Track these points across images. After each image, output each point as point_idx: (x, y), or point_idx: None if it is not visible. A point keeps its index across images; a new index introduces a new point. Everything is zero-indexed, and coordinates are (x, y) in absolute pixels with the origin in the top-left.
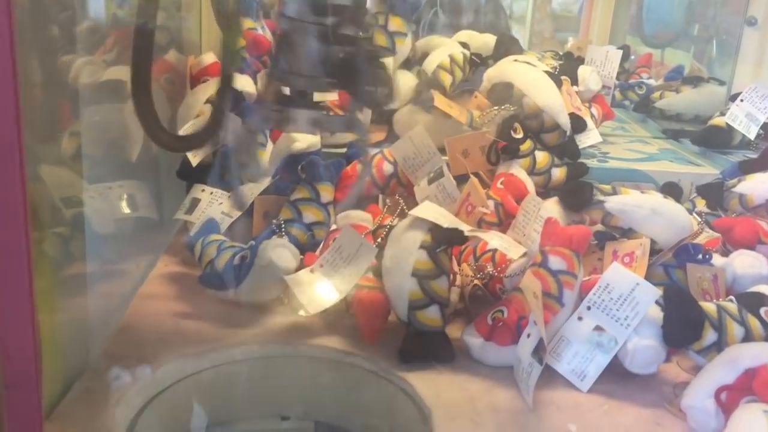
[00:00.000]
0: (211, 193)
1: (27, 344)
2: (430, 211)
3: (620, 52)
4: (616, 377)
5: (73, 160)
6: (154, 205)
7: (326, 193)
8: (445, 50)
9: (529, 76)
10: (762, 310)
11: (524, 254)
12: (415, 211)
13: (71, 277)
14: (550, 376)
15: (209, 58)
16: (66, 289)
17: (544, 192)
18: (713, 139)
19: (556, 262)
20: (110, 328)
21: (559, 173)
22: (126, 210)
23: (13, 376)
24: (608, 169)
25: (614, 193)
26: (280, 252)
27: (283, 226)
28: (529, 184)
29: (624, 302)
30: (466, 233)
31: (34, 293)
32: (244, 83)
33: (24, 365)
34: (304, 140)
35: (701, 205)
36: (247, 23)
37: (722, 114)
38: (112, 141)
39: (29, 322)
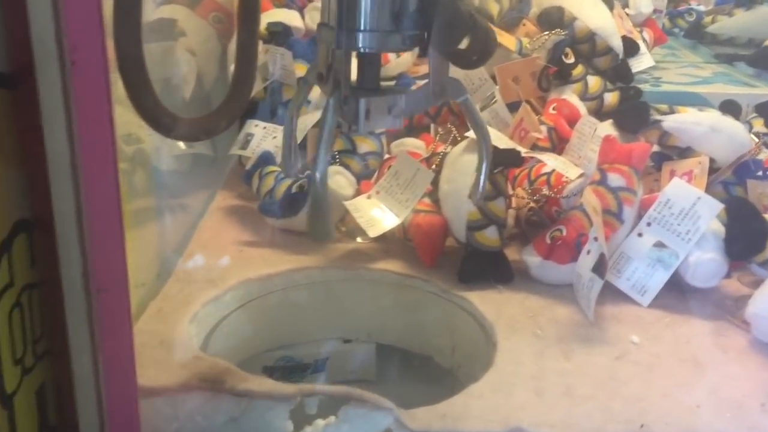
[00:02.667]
0: (264, 128)
1: (117, 249)
2: None
3: None
4: (677, 293)
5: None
6: (208, 141)
7: None
8: None
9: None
10: None
11: (581, 174)
12: (472, 134)
13: (140, 209)
14: (609, 294)
15: None
16: (136, 219)
17: (596, 117)
18: None
19: (615, 179)
20: (177, 256)
21: (611, 98)
22: (182, 146)
23: (105, 280)
24: (662, 92)
25: (671, 112)
26: (338, 179)
27: (337, 156)
28: (582, 108)
29: (685, 217)
30: (523, 154)
31: (121, 204)
32: (290, 17)
33: (114, 269)
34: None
35: (758, 125)
36: None
37: None
38: (166, 79)
39: (118, 228)
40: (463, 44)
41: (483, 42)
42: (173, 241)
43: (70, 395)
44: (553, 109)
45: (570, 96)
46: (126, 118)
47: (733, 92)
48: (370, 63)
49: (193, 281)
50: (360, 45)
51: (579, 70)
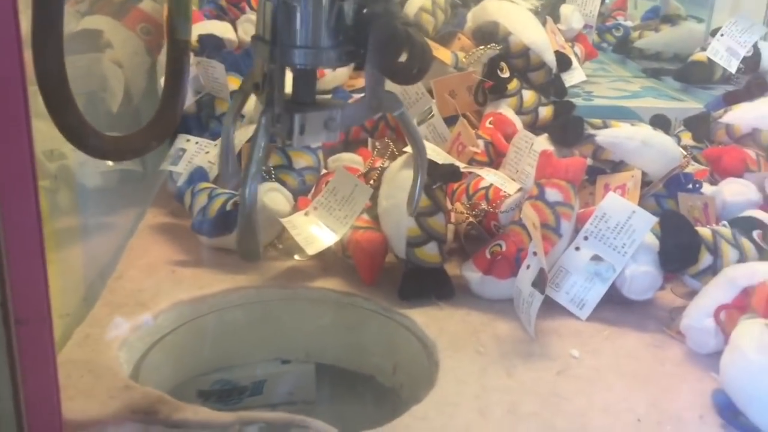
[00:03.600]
0: (197, 142)
1: (38, 276)
2: None
3: None
4: (614, 305)
5: None
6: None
7: None
8: None
9: (514, 15)
10: (754, 233)
11: (519, 189)
12: (410, 148)
13: (63, 229)
14: (548, 307)
15: None
16: (59, 241)
17: (531, 131)
18: (695, 74)
19: (552, 194)
20: (105, 278)
21: (546, 112)
22: (109, 162)
23: (24, 310)
24: (594, 107)
25: (604, 126)
26: (274, 196)
27: (273, 172)
28: (518, 122)
29: (621, 230)
30: (462, 169)
31: (42, 226)
32: (223, 29)
33: (35, 298)
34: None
35: (686, 138)
36: None
37: (703, 49)
38: (92, 92)
39: (38, 253)
40: (401, 58)
41: (420, 58)
42: (100, 262)
43: None
44: (490, 123)
45: (506, 110)
46: (49, 133)
47: (661, 106)
48: (306, 78)
49: (123, 305)
50: (295, 61)
51: (514, 84)
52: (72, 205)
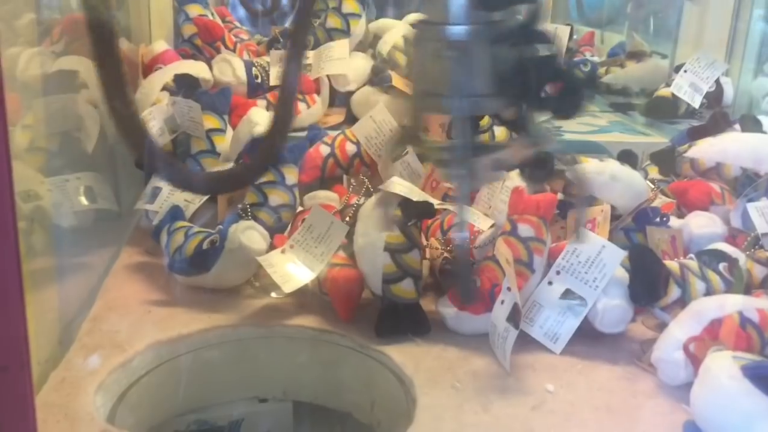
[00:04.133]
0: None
1: (17, 322)
2: (399, 186)
3: (568, 28)
4: (586, 338)
5: (27, 153)
6: (112, 196)
7: (291, 175)
8: (397, 31)
9: None
10: (721, 266)
11: (492, 225)
12: (385, 187)
13: (38, 270)
14: (523, 341)
15: (160, 46)
16: (34, 283)
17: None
18: (660, 109)
19: (525, 229)
20: (80, 320)
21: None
22: (85, 202)
23: (3, 357)
24: (564, 141)
25: (574, 162)
26: (250, 234)
27: (249, 210)
28: None
29: (592, 265)
30: (436, 206)
31: (21, 272)
32: (198, 69)
33: (14, 345)
34: (264, 123)
35: (653, 172)
36: (197, 9)
37: (667, 85)
38: (67, 133)
39: (18, 298)
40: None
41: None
42: (75, 303)
43: None
44: None
45: None
46: (24, 173)
47: (629, 141)
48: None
49: (99, 346)
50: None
51: (486, 120)
52: (47, 246)
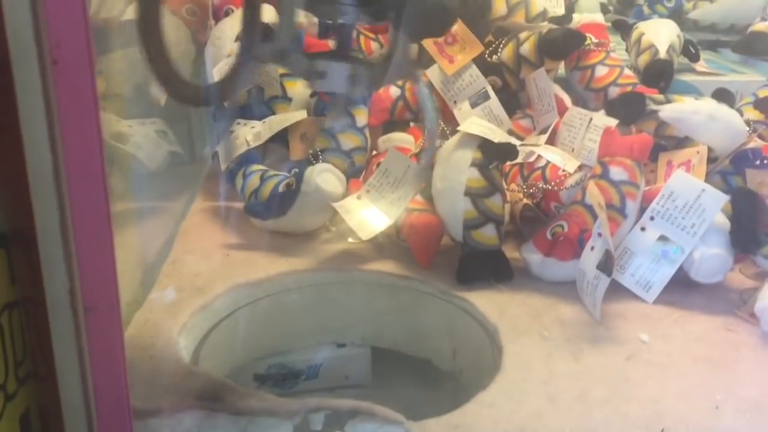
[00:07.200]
0: (245, 124)
1: (106, 264)
2: (479, 126)
3: None
4: (680, 287)
5: (104, 99)
6: (187, 141)
7: (361, 116)
8: None
9: None
10: None
11: (580, 166)
12: (464, 127)
13: (119, 214)
14: (612, 289)
15: None
16: (116, 226)
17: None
18: (755, 45)
19: (617, 172)
20: (161, 263)
21: None
22: (160, 147)
23: (93, 298)
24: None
25: (667, 102)
26: (327, 177)
27: (320, 156)
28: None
29: (690, 210)
30: (519, 147)
31: (110, 215)
32: (268, 13)
33: (104, 287)
34: None
35: (749, 112)
36: None
37: (763, 19)
38: (139, 85)
39: (107, 242)
40: None
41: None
42: (155, 246)
43: (57, 421)
44: None
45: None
46: (102, 117)
47: (721, 80)
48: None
49: (179, 289)
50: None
51: None
52: (125, 190)
